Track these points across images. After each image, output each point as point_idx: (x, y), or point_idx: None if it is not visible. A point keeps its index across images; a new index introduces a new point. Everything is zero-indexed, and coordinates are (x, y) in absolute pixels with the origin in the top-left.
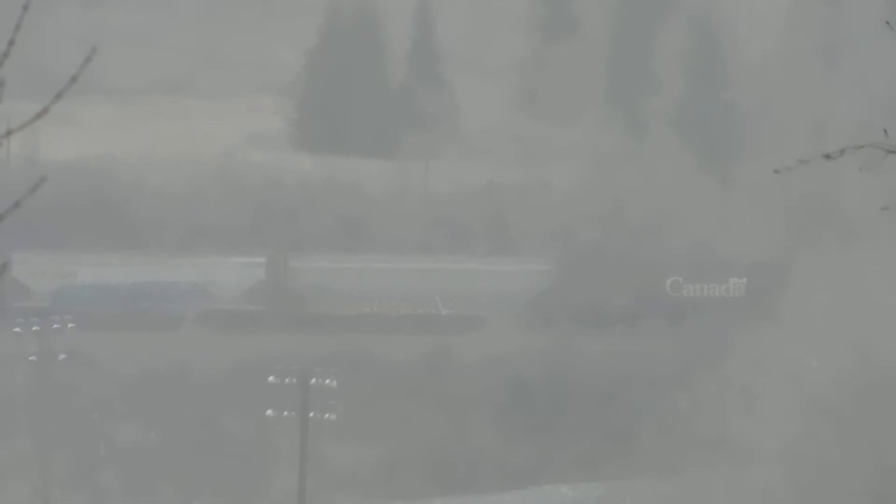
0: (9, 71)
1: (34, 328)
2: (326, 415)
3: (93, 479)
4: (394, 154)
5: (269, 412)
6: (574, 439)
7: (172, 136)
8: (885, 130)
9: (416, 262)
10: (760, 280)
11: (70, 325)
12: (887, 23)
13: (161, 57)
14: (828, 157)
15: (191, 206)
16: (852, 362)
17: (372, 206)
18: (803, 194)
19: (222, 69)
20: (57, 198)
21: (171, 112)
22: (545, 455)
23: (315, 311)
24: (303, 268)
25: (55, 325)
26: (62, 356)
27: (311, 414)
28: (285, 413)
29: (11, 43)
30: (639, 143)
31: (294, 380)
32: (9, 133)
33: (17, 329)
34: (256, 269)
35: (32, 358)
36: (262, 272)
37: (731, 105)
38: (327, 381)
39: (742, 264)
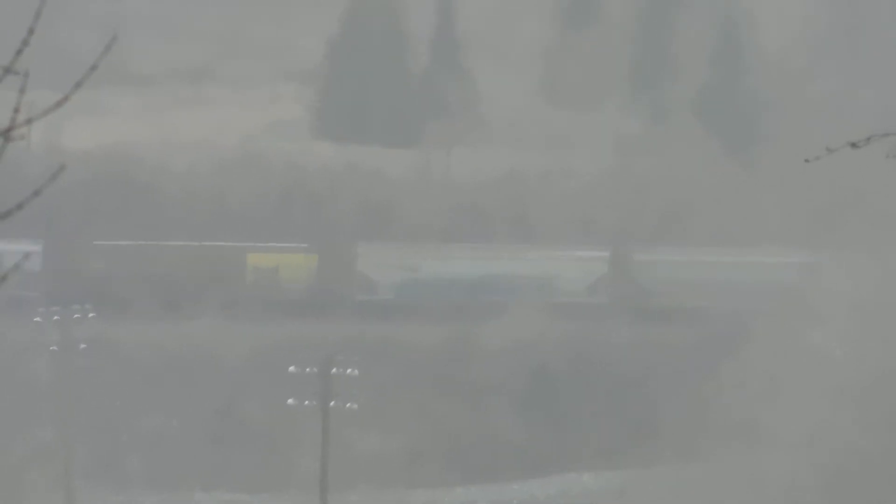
0: (33, 60)
1: (55, 318)
2: (348, 404)
3: (116, 466)
4: (415, 142)
5: (290, 401)
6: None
7: (195, 123)
8: None
9: (761, 255)
10: None
11: (91, 315)
12: None
13: (184, 45)
14: (854, 145)
15: (214, 192)
16: (877, 350)
17: (394, 193)
18: (828, 182)
19: (245, 57)
20: (76, 184)
21: (194, 100)
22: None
23: (661, 304)
24: (648, 261)
25: (76, 315)
26: (83, 345)
27: (332, 403)
28: (306, 402)
29: (31, 31)
30: (661, 131)
31: (315, 369)
32: (28, 121)
33: (38, 318)
34: (600, 263)
35: (54, 348)
36: (605, 265)
37: (753, 92)
38: (349, 370)
39: None
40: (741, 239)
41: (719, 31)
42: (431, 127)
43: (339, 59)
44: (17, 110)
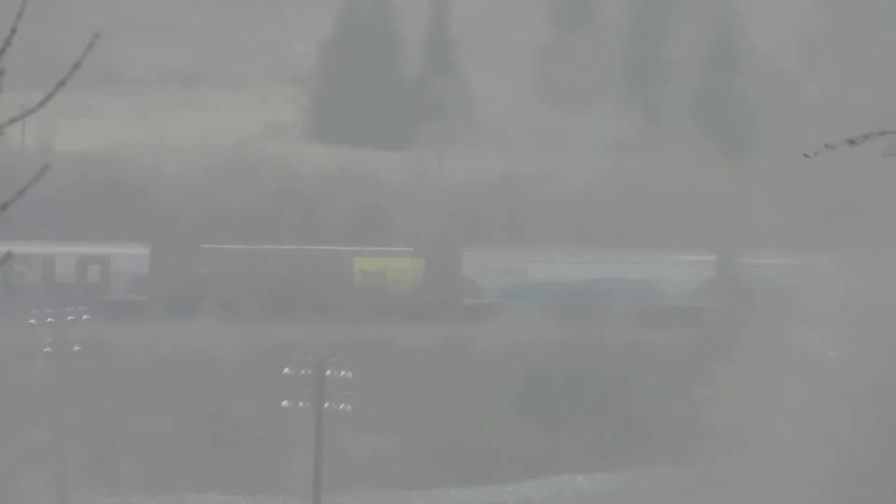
0: (26, 63)
1: (49, 319)
2: (342, 405)
3: (110, 468)
4: (409, 144)
5: (284, 403)
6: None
7: (189, 125)
8: None
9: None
10: None
11: (85, 317)
12: None
13: (178, 47)
14: (852, 142)
15: (208, 195)
16: (872, 352)
17: (388, 196)
18: (823, 182)
19: (239, 59)
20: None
21: (188, 102)
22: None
23: (763, 309)
24: (756, 265)
25: (70, 317)
26: (76, 347)
27: (327, 404)
28: (301, 404)
29: (14, 31)
30: (657, 133)
31: (309, 371)
32: (11, 121)
33: (33, 321)
34: (706, 267)
35: (48, 349)
36: (711, 270)
37: (748, 93)
38: (342, 372)
39: None
40: (737, 241)
41: (714, 33)
42: (426, 129)
43: (333, 62)
44: None
